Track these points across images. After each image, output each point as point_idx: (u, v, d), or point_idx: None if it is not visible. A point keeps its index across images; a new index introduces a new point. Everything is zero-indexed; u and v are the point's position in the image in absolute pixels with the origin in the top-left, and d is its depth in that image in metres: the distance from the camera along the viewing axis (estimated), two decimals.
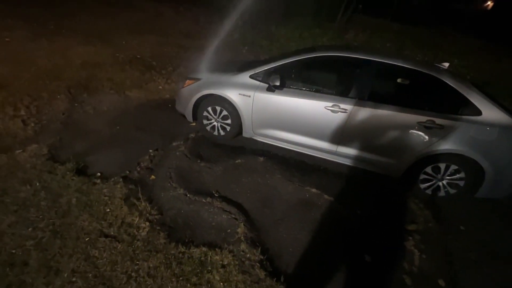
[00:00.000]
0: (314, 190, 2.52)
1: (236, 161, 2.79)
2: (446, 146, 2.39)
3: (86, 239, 1.80)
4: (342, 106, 2.55)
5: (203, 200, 2.26)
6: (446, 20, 12.78)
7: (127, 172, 2.50)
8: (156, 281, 1.62)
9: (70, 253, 1.70)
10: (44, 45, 4.72)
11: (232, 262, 1.77)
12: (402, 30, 9.90)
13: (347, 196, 2.55)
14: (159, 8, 8.73)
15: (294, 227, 2.15)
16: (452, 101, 2.43)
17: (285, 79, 2.74)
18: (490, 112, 2.36)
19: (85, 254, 1.71)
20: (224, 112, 3.02)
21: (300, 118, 2.74)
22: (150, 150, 2.83)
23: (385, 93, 2.68)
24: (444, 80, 2.41)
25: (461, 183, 2.54)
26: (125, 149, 2.83)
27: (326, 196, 2.47)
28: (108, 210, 2.03)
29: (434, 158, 2.50)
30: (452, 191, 2.61)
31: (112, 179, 2.33)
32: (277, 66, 2.76)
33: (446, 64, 2.90)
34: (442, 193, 2.65)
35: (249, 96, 2.80)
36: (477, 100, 2.38)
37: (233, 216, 2.15)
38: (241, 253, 1.85)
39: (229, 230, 2.03)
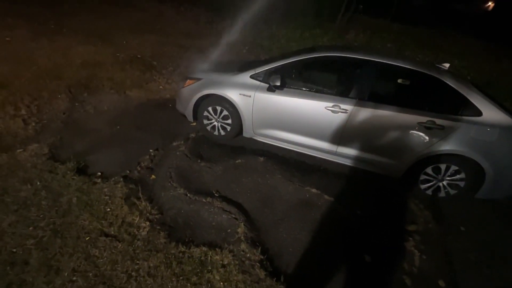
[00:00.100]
0: (314, 190, 2.52)
1: (236, 161, 2.79)
2: (447, 146, 2.39)
3: (87, 239, 1.80)
4: (343, 106, 2.55)
5: (203, 200, 2.26)
6: (447, 20, 12.79)
7: (128, 171, 2.51)
8: (156, 281, 1.62)
9: (70, 252, 1.70)
10: (45, 45, 4.72)
11: (232, 262, 1.77)
12: (402, 30, 9.92)
13: (347, 197, 2.55)
14: (159, 8, 8.75)
15: (294, 227, 2.15)
16: (452, 101, 2.43)
17: (286, 79, 2.74)
18: (490, 113, 2.36)
19: (85, 253, 1.71)
20: (225, 112, 3.02)
21: (300, 118, 2.74)
22: (151, 150, 2.83)
23: (386, 93, 2.68)
24: (445, 80, 2.41)
25: (462, 183, 2.54)
26: (125, 148, 2.83)
27: (326, 196, 2.48)
28: (108, 209, 2.03)
29: (434, 159, 2.50)
30: (452, 191, 2.61)
31: (113, 179, 2.34)
32: (278, 66, 2.76)
33: (447, 65, 2.90)
34: (442, 193, 2.66)
35: (250, 96, 2.80)
36: (477, 100, 2.38)
37: (233, 216, 2.15)
38: (241, 253, 1.86)
39: (229, 230, 2.04)
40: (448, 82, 2.41)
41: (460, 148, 2.37)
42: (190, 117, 3.22)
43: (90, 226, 1.88)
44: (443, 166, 2.52)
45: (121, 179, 2.34)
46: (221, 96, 2.93)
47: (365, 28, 9.05)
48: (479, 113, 2.36)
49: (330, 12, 9.74)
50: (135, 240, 1.84)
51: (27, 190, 2.08)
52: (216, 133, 3.20)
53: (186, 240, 1.92)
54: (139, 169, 2.57)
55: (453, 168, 2.50)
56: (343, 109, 2.55)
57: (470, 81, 2.76)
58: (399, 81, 2.57)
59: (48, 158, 2.46)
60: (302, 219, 2.23)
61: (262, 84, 2.80)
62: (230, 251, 1.85)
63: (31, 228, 1.82)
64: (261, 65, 2.87)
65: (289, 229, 2.13)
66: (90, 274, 1.61)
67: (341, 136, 2.66)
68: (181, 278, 1.65)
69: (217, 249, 1.85)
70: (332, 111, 2.57)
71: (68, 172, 2.31)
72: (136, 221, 1.96)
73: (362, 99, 2.54)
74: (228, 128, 3.11)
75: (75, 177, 2.26)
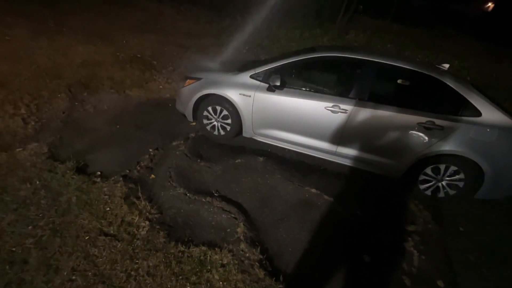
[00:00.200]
0: (313, 190, 2.53)
1: (236, 161, 2.79)
2: (446, 147, 2.39)
3: (86, 238, 1.80)
4: (342, 106, 2.55)
5: (203, 200, 2.26)
6: (447, 21, 12.80)
7: (127, 171, 2.50)
8: (155, 280, 1.62)
9: (69, 251, 1.70)
10: (45, 44, 4.71)
11: (231, 262, 1.77)
12: (402, 31, 9.92)
13: (347, 197, 2.55)
14: (159, 7, 8.73)
15: (293, 227, 2.16)
16: (452, 102, 2.44)
17: (286, 79, 2.74)
18: (490, 114, 2.36)
19: (84, 252, 1.71)
20: (224, 112, 3.02)
21: (300, 118, 2.74)
22: (150, 149, 2.83)
23: (385, 93, 2.69)
24: (444, 81, 2.42)
25: (461, 184, 2.54)
26: (125, 148, 2.83)
27: (325, 197, 2.48)
28: (108, 209, 2.03)
29: (433, 159, 2.50)
30: (451, 192, 2.61)
31: (112, 178, 2.34)
32: (278, 66, 2.76)
33: (447, 65, 2.91)
34: (441, 194, 2.66)
35: (250, 96, 2.80)
36: (477, 101, 2.38)
37: (233, 215, 2.16)
38: (241, 252, 1.86)
39: (228, 230, 2.04)
40: (447, 83, 2.41)
41: (459, 148, 2.37)
42: (190, 116, 3.21)
43: (90, 225, 1.88)
44: (442, 167, 2.52)
45: (121, 179, 2.34)
46: (221, 96, 2.93)
47: (365, 28, 9.06)
48: (479, 114, 2.37)
49: (330, 12, 9.74)
50: (134, 240, 1.84)
51: (26, 189, 2.08)
52: (216, 133, 3.20)
53: (186, 240, 1.92)
54: (138, 168, 2.57)
55: (453, 168, 2.50)
56: (342, 109, 2.55)
57: (469, 82, 2.76)
58: (399, 81, 2.57)
59: (48, 157, 2.46)
60: (302, 219, 2.23)
61: (262, 84, 2.80)
62: (230, 251, 1.85)
63: (30, 227, 1.82)
64: (261, 65, 2.87)
65: (289, 229, 2.13)
66: (90, 273, 1.61)
67: (340, 136, 2.66)
68: (180, 277, 1.65)
69: (216, 248, 1.85)
70: (332, 111, 2.58)
71: (68, 171, 2.31)
72: (135, 221, 1.96)
73: (362, 99, 2.54)
74: (228, 128, 3.11)
75: (74, 176, 2.26)
